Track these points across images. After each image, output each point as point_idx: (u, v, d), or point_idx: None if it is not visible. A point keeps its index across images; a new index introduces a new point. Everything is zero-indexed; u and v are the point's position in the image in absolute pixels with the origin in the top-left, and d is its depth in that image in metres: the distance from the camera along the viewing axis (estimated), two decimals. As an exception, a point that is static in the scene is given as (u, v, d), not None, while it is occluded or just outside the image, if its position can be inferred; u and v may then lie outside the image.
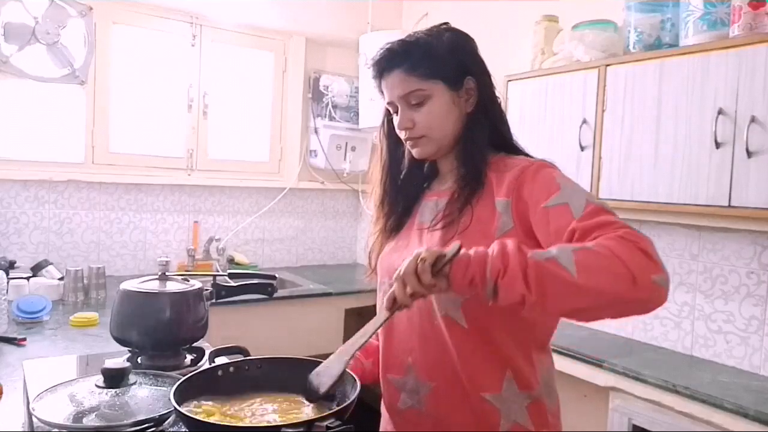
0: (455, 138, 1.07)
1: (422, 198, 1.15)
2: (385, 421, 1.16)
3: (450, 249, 0.84)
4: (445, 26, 1.10)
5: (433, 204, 1.10)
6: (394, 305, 0.88)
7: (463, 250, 0.84)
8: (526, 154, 1.09)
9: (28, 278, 2.31)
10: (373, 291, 1.22)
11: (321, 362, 1.05)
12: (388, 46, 1.07)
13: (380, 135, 1.17)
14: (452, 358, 1.00)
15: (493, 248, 0.84)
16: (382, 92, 1.09)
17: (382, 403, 1.17)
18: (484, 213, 1.00)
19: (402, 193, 1.15)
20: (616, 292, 0.79)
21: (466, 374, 1.00)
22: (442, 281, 0.84)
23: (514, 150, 1.10)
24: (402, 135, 1.09)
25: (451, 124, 1.06)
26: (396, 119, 1.08)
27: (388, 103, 1.09)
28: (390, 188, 1.16)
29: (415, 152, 1.09)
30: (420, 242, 1.08)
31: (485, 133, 1.07)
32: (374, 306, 1.25)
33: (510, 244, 0.83)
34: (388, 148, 1.16)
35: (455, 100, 1.05)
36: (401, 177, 1.16)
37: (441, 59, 1.04)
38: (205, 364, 1.33)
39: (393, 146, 1.15)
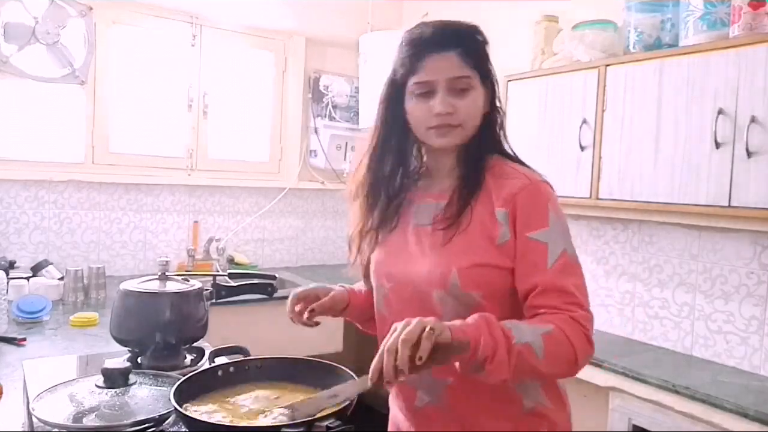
0: (472, 137, 1.06)
1: (414, 199, 1.12)
2: (399, 422, 1.14)
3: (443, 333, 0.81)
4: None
5: (432, 206, 1.08)
6: (380, 379, 0.80)
7: (448, 330, 0.82)
8: (521, 162, 1.09)
9: (28, 278, 2.31)
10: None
11: (320, 362, 1.05)
12: (443, 23, 1.05)
13: (381, 119, 1.10)
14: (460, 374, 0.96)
15: (482, 330, 0.84)
16: (413, 70, 1.02)
17: (394, 404, 1.16)
18: (485, 216, 1.01)
19: (391, 186, 1.11)
20: (560, 374, 0.98)
21: (475, 393, 1.01)
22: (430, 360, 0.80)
23: (506, 154, 1.11)
24: (434, 121, 1.02)
25: (479, 120, 1.05)
26: (422, 102, 1.02)
27: (419, 83, 1.02)
28: (380, 179, 1.11)
29: (441, 141, 1.04)
30: (418, 243, 1.07)
31: (493, 136, 1.09)
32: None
33: (494, 325, 0.85)
34: (392, 131, 1.10)
35: (484, 97, 1.05)
36: (390, 169, 1.11)
37: (483, 54, 1.05)
38: (205, 364, 1.33)
39: (399, 130, 1.09)
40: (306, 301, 1.17)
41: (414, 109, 1.04)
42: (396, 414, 1.16)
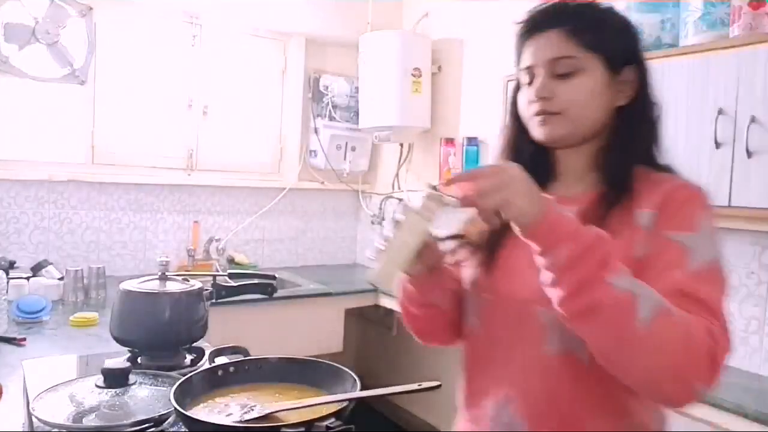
0: (593, 131, 0.90)
1: None
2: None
3: None
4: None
5: None
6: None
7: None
8: (672, 172, 0.92)
9: (28, 278, 2.31)
10: (373, 291, 1.20)
11: (320, 362, 1.05)
12: (551, 3, 0.90)
13: (506, 115, 1.00)
14: (563, 398, 0.85)
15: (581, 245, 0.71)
16: (519, 58, 0.92)
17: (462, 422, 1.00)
18: (622, 227, 0.83)
19: None
20: (662, 371, 0.72)
21: (577, 419, 0.85)
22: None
23: (657, 165, 0.92)
24: (532, 108, 0.90)
25: (595, 111, 0.88)
26: (528, 90, 0.90)
27: (525, 69, 0.91)
28: None
29: (541, 131, 0.90)
30: (530, 254, 0.79)
31: (637, 136, 0.91)
32: (373, 306, 1.24)
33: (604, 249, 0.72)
34: (513, 131, 0.98)
35: (609, 85, 0.88)
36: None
37: (611, 33, 0.88)
38: (205, 364, 1.33)
39: (518, 129, 0.96)
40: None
41: (519, 98, 0.94)
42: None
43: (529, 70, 0.90)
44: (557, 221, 0.73)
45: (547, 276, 0.74)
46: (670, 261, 0.79)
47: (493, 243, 0.94)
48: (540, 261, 0.75)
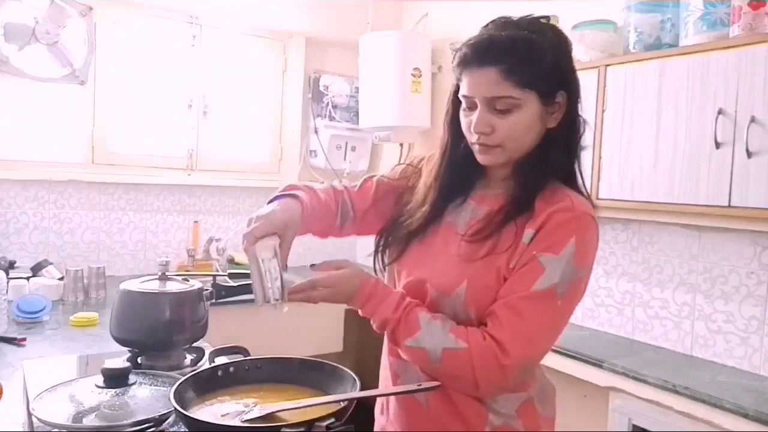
0: (525, 153, 0.99)
1: (459, 198, 1.08)
2: (377, 412, 1.16)
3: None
4: (545, 21, 0.99)
5: (470, 207, 1.05)
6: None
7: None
8: (581, 191, 1.02)
9: (28, 278, 2.31)
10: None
11: (320, 362, 1.05)
12: (488, 35, 0.95)
13: (444, 124, 1.07)
14: None
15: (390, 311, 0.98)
16: (459, 79, 0.99)
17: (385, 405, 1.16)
18: (510, 239, 0.96)
19: (448, 188, 1.06)
20: (460, 390, 0.99)
21: None
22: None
23: (573, 180, 1.02)
24: (472, 137, 0.98)
25: (531, 139, 0.97)
26: (468, 116, 0.98)
27: (464, 95, 0.98)
28: (443, 180, 1.06)
29: (482, 159, 0.99)
30: (444, 241, 1.03)
31: (552, 155, 0.99)
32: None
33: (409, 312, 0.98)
34: (452, 141, 1.06)
35: (542, 115, 0.96)
36: (451, 172, 1.06)
37: (543, 69, 0.93)
38: (205, 364, 1.33)
39: (456, 138, 1.04)
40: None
41: (462, 119, 1.01)
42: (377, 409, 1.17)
43: (469, 99, 0.97)
44: (367, 301, 1.00)
45: None
46: (524, 275, 0.93)
47: (409, 236, 1.08)
48: None
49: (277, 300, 0.98)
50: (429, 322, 0.95)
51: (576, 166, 1.02)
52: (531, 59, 0.93)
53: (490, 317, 0.94)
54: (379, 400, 1.16)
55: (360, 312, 1.02)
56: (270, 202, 1.08)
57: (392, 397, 1.10)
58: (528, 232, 0.95)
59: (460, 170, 1.05)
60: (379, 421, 1.15)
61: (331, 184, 1.20)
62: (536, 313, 0.92)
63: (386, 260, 1.13)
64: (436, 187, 1.07)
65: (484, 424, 0.99)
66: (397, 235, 1.10)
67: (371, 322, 1.01)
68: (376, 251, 1.14)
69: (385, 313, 0.98)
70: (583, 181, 1.04)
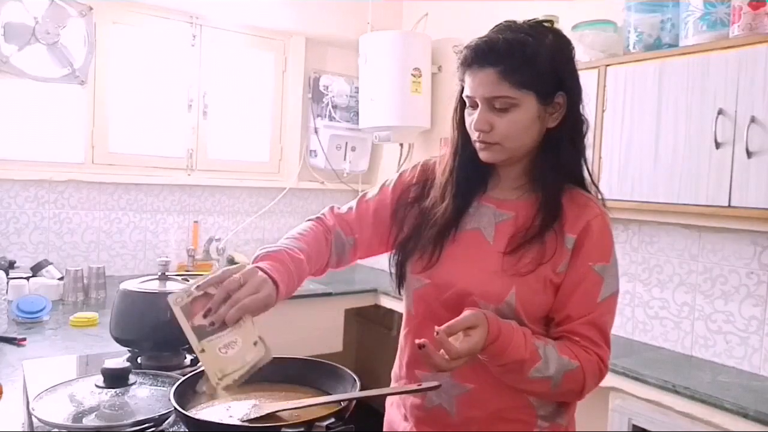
0: (527, 152, 1.04)
1: (474, 199, 1.10)
2: (396, 421, 1.14)
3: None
4: (548, 25, 1.04)
5: (491, 211, 1.07)
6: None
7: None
8: (587, 188, 1.08)
9: (28, 278, 2.31)
10: (373, 291, 1.21)
11: (320, 362, 1.05)
12: (488, 38, 1.00)
13: (453, 123, 1.10)
14: (490, 373, 0.99)
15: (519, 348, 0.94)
16: (462, 80, 1.03)
17: (393, 402, 1.16)
18: (556, 244, 1.00)
19: (465, 182, 1.09)
20: (562, 400, 1.05)
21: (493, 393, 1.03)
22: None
23: (582, 180, 1.08)
24: (474, 135, 1.03)
25: (529, 138, 1.02)
26: (471, 114, 1.02)
27: (466, 96, 1.02)
28: (458, 175, 1.09)
29: (482, 155, 1.03)
30: (474, 246, 1.05)
31: (562, 155, 1.04)
32: (373, 306, 1.24)
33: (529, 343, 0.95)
34: (461, 139, 1.09)
35: (541, 114, 1.00)
36: (465, 168, 1.09)
37: (540, 70, 0.98)
38: (205, 364, 1.33)
39: (466, 136, 1.07)
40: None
41: (466, 118, 1.05)
42: (394, 413, 1.16)
43: (470, 98, 1.02)
44: (494, 342, 0.94)
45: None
46: (588, 290, 1.00)
47: (439, 236, 1.07)
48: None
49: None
50: (543, 349, 0.96)
51: (584, 165, 1.08)
52: (528, 61, 0.97)
53: (579, 336, 0.99)
54: (394, 406, 1.16)
55: (482, 355, 0.94)
56: (254, 260, 0.99)
57: (416, 403, 1.09)
58: (569, 237, 1.01)
59: (472, 166, 1.08)
60: (397, 426, 1.15)
61: (322, 213, 1.18)
62: (608, 321, 1.02)
63: (411, 269, 1.10)
64: (453, 182, 1.09)
65: (533, 425, 1.04)
66: (421, 241, 1.09)
67: (491, 361, 0.95)
68: (399, 261, 1.12)
69: (517, 354, 0.94)
70: (593, 180, 1.09)
